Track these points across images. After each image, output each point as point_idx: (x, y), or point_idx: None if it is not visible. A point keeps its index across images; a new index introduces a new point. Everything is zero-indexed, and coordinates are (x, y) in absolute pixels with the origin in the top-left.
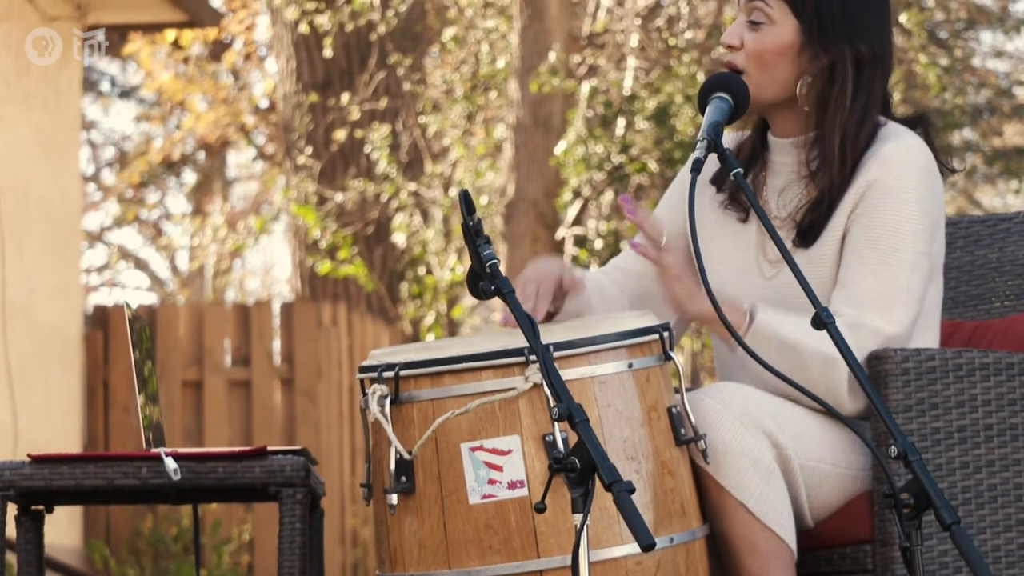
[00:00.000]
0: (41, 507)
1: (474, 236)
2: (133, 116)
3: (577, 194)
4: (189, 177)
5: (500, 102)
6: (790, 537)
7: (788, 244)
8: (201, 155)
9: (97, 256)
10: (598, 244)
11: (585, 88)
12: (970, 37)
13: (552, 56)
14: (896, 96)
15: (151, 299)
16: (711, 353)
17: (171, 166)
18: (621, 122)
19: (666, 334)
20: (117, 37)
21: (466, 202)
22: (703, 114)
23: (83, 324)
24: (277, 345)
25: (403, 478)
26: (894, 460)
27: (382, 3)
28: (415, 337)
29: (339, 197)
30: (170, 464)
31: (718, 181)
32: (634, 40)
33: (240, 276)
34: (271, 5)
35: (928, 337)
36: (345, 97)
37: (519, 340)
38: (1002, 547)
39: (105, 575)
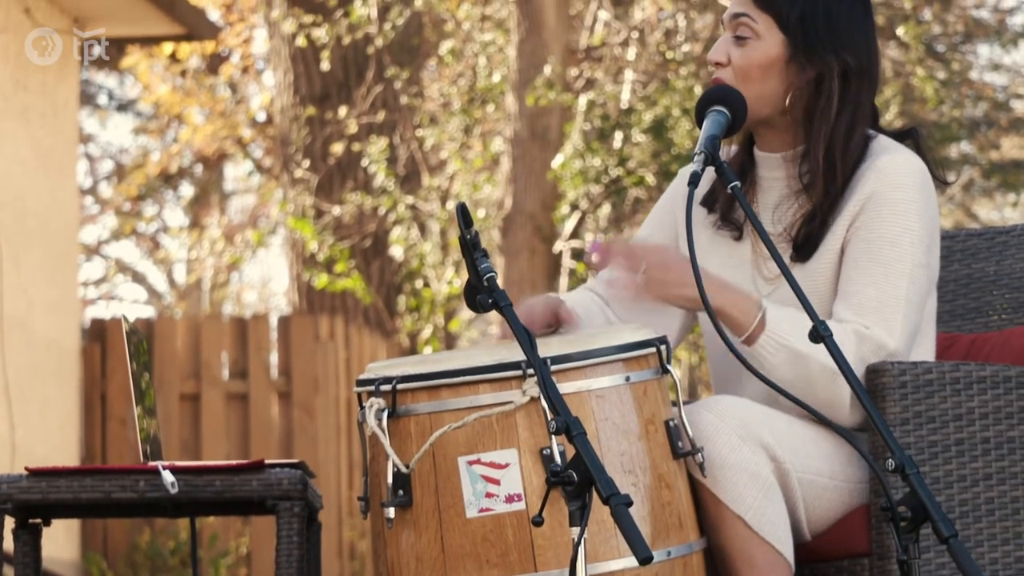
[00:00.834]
0: (39, 520)
1: (471, 249)
2: (130, 129)
3: (574, 207)
4: (186, 190)
5: (497, 115)
6: (788, 550)
7: (785, 260)
8: (198, 168)
9: (94, 269)
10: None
11: (582, 101)
12: (967, 50)
13: (549, 69)
14: (893, 109)
15: (148, 312)
16: (708, 366)
17: (168, 179)
18: (618, 135)
19: (663, 347)
20: (115, 50)
21: (463, 215)
22: (700, 127)
23: (80, 337)
24: (274, 358)
25: (400, 491)
26: (892, 473)
27: (379, 16)
28: (412, 350)
29: (336, 210)
30: (167, 477)
31: (709, 202)
32: (631, 53)
33: (237, 289)
34: (268, 18)
35: (924, 349)
36: (342, 110)
37: (516, 354)
38: (999, 560)
39: None
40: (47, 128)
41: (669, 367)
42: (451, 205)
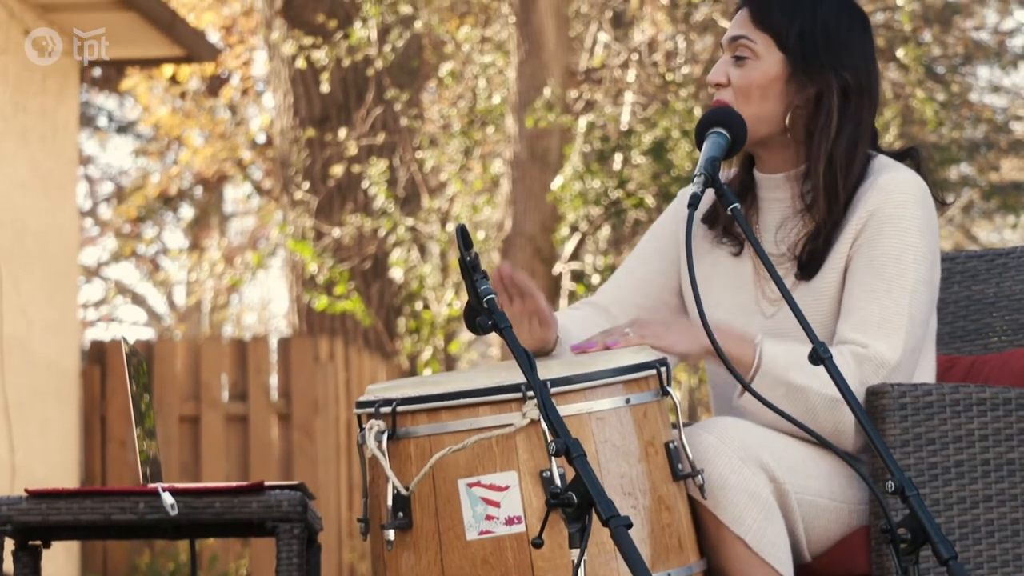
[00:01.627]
0: (38, 542)
1: (471, 271)
2: (130, 151)
3: (574, 229)
4: (186, 212)
5: (497, 137)
6: (787, 572)
7: (789, 279)
8: (198, 190)
9: (94, 291)
10: (595, 279)
11: (582, 123)
12: (967, 72)
13: (549, 91)
14: (893, 131)
15: (148, 334)
16: (707, 389)
17: (168, 201)
18: (618, 157)
19: (663, 369)
20: (114, 72)
21: (463, 237)
22: (700, 149)
23: (80, 359)
24: (274, 380)
25: (400, 514)
26: (891, 495)
27: (379, 38)
28: (412, 372)
29: (336, 232)
30: (167, 499)
31: (710, 220)
32: (631, 75)
33: (237, 311)
34: (268, 40)
35: (925, 371)
36: (342, 132)
37: (516, 376)
38: None
39: None
40: (47, 150)
41: (669, 389)
42: (451, 227)
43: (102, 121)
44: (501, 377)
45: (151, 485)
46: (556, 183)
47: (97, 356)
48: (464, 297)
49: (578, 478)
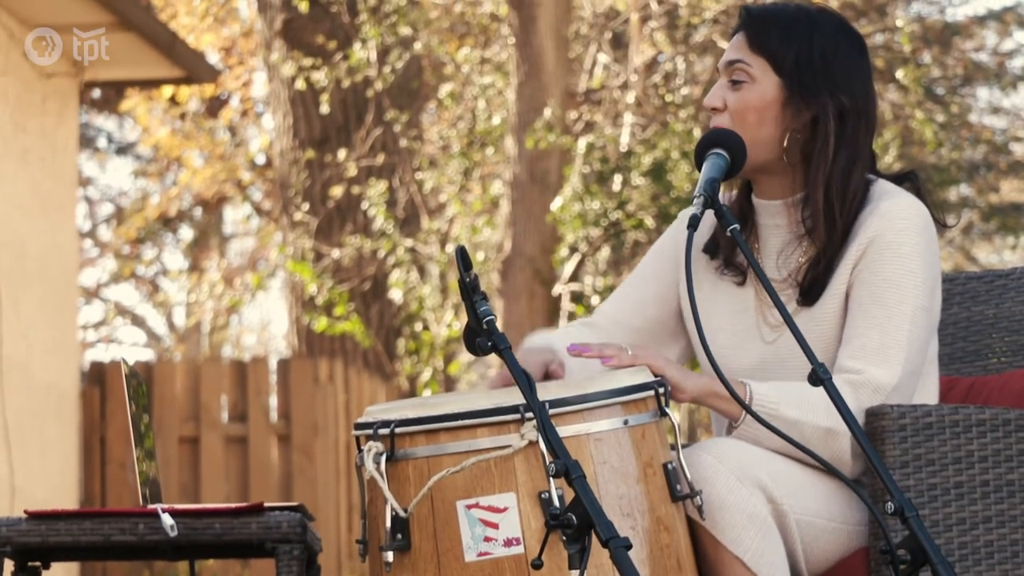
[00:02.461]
0: (38, 563)
1: (471, 292)
2: (130, 172)
3: (574, 250)
4: (186, 233)
5: (497, 158)
6: None
7: (791, 305)
8: (198, 211)
9: (94, 312)
10: (595, 300)
11: (582, 144)
12: (967, 93)
13: (548, 112)
14: (892, 152)
15: (148, 355)
16: (707, 410)
17: (168, 222)
18: (618, 178)
19: (661, 390)
20: (114, 93)
21: (463, 258)
22: (700, 170)
23: (80, 380)
24: (274, 401)
25: (399, 535)
26: (891, 516)
27: (379, 59)
28: (412, 393)
29: (336, 253)
30: (167, 520)
31: (711, 249)
32: (631, 96)
33: (237, 332)
34: (268, 61)
35: (927, 393)
36: (342, 153)
37: (515, 397)
38: None
39: None
40: (46, 171)
41: (667, 410)
42: (450, 248)
43: (102, 142)
44: (500, 399)
45: (151, 506)
46: (556, 204)
47: (97, 377)
48: (464, 318)
49: (577, 499)
